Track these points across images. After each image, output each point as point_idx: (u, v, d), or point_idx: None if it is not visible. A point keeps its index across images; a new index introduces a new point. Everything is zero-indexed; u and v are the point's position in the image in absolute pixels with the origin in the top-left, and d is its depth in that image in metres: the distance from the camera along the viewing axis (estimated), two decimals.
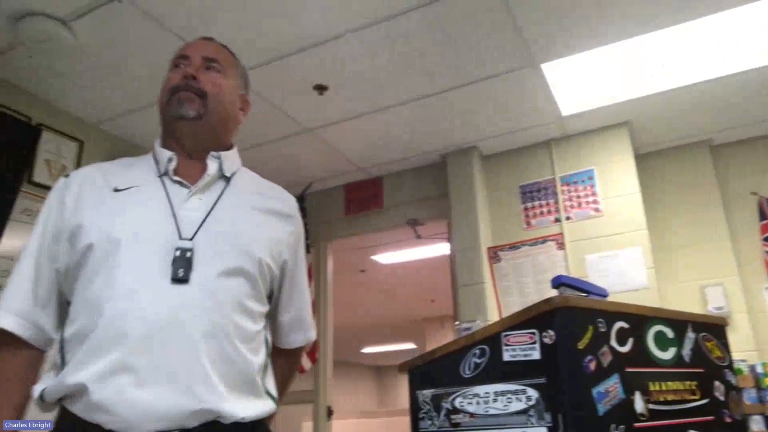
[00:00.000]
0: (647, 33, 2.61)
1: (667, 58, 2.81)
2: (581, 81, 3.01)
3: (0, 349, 1.08)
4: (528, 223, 3.50)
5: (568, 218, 3.40)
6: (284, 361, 1.36)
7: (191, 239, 1.09)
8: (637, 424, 1.36)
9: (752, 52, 2.77)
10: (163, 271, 1.04)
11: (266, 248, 1.19)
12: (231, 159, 1.26)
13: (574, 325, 1.37)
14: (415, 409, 1.58)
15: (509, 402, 1.40)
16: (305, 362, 3.68)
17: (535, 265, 3.36)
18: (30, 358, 1.10)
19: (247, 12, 2.38)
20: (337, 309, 4.28)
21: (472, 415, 1.45)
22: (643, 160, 3.59)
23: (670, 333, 1.56)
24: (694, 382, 1.55)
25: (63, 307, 1.14)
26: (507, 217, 3.59)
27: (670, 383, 1.49)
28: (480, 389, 1.46)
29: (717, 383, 1.61)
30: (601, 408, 1.32)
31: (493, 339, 1.47)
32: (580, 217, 3.38)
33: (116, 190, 1.15)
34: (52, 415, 1.07)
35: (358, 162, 3.85)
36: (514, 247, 3.46)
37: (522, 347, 1.41)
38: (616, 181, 3.36)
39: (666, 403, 1.46)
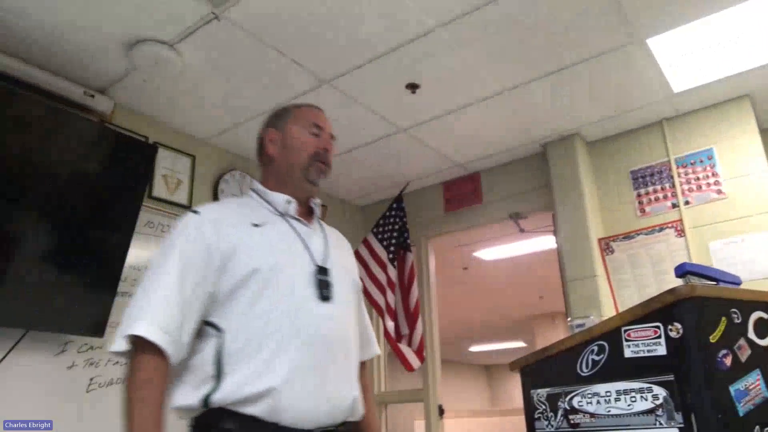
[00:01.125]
0: None
1: None
2: (693, 54, 2.77)
3: (146, 360, 1.19)
4: (642, 211, 3.29)
5: (687, 203, 3.15)
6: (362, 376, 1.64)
7: (326, 266, 1.40)
8: None
9: None
10: (312, 291, 1.34)
11: (356, 275, 1.59)
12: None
13: (703, 316, 1.26)
14: (530, 409, 1.53)
15: (633, 401, 1.31)
16: (413, 361, 3.67)
17: (652, 255, 3.14)
18: (167, 370, 1.22)
19: (340, 20, 2.41)
20: (440, 308, 4.24)
21: (592, 415, 1.38)
22: None
23: None
24: None
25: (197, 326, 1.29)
26: (618, 206, 3.39)
27: None
28: (600, 388, 1.38)
29: None
30: (742, 408, 1.20)
31: (612, 334, 1.39)
32: (700, 200, 3.12)
33: (255, 225, 1.38)
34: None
35: (455, 158, 3.80)
36: (628, 236, 3.26)
37: (645, 342, 1.31)
38: (740, 160, 3.06)
39: None
